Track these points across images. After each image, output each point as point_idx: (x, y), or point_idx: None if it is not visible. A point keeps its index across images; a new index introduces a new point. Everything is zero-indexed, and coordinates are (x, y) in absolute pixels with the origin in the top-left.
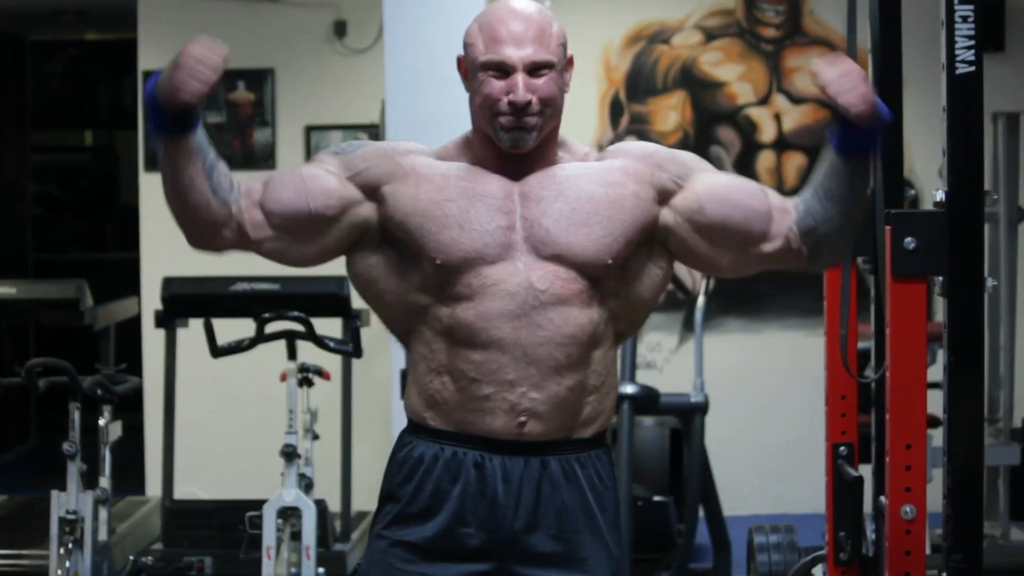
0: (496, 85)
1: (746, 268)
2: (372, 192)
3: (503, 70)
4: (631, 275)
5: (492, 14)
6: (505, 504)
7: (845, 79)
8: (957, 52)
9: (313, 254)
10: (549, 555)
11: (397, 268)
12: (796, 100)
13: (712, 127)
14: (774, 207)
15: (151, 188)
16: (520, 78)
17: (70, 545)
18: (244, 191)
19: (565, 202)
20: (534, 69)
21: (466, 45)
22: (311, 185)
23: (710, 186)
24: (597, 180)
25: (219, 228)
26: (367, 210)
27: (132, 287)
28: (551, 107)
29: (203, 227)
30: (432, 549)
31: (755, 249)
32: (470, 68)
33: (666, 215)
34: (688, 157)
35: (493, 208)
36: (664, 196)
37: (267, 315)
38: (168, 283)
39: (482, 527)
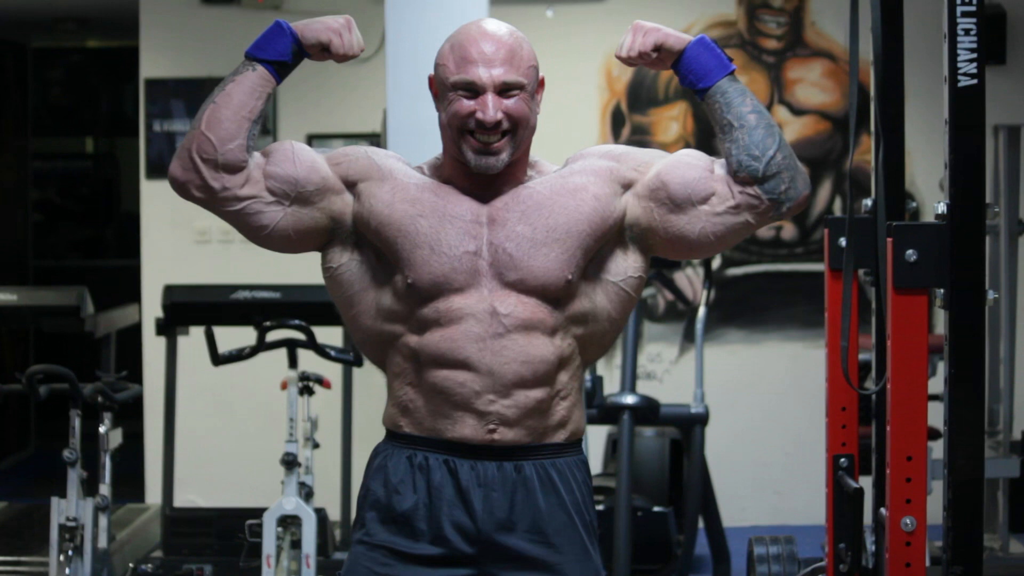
0: (465, 104)
1: (722, 233)
2: (350, 185)
3: (473, 90)
4: (598, 291)
5: (463, 35)
6: (482, 508)
7: (629, 38)
8: (959, 65)
9: (284, 230)
10: (527, 558)
11: (371, 282)
12: (797, 112)
13: (713, 138)
14: (717, 162)
15: (152, 195)
16: (490, 98)
17: (70, 552)
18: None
19: (527, 224)
20: (504, 90)
21: (437, 65)
22: (300, 154)
23: (666, 162)
24: (558, 190)
25: (232, 170)
26: (343, 202)
27: (133, 294)
28: (520, 127)
29: (219, 160)
30: (410, 554)
31: (721, 206)
32: (440, 88)
33: (632, 205)
34: (648, 151)
35: (461, 231)
36: (627, 185)
37: (268, 323)
38: (169, 291)
39: (458, 531)
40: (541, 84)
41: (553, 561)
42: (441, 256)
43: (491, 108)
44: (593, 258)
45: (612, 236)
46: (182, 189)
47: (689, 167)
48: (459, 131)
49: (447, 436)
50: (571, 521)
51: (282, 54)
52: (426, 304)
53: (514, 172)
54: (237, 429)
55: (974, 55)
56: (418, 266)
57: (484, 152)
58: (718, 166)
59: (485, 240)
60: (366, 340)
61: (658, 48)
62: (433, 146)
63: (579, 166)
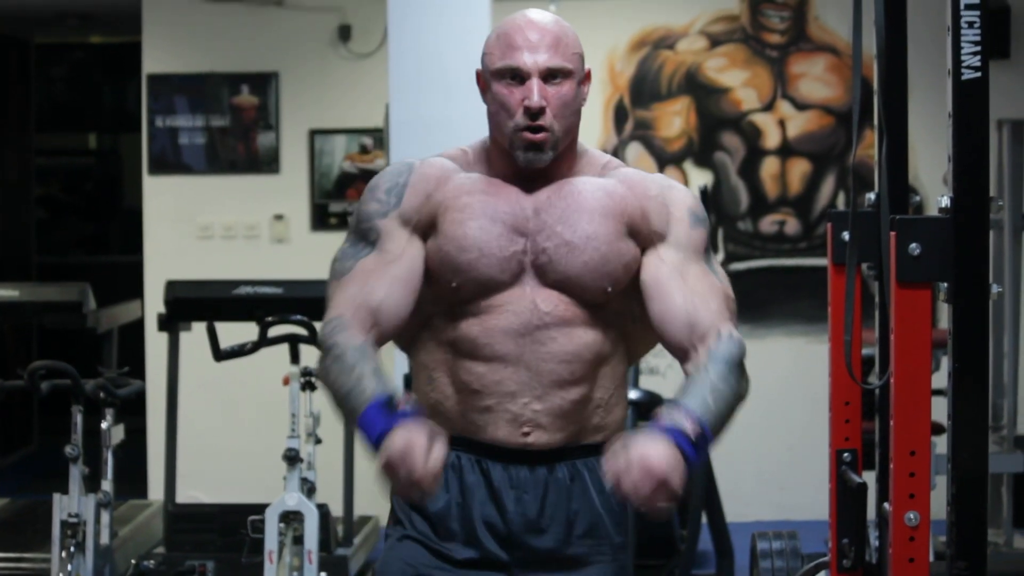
0: (511, 93)
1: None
2: (429, 230)
3: (518, 76)
4: (632, 297)
5: (510, 23)
6: (513, 509)
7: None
8: (963, 58)
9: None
10: (557, 559)
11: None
12: (801, 106)
13: (716, 133)
14: (695, 332)
15: (154, 191)
16: (535, 83)
17: (72, 548)
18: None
19: (567, 225)
20: (549, 76)
21: (484, 55)
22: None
23: (661, 274)
24: (600, 204)
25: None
26: (422, 235)
27: (135, 290)
28: (563, 119)
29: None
30: (444, 555)
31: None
32: (487, 78)
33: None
34: (679, 206)
35: (510, 230)
36: (639, 239)
37: (270, 319)
38: (171, 286)
39: (491, 532)
40: (588, 76)
41: (584, 562)
42: (490, 258)
43: (535, 93)
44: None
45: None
46: None
47: (663, 320)
48: (509, 127)
49: (479, 437)
50: (601, 521)
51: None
52: (468, 300)
53: (561, 165)
54: (239, 425)
55: (978, 48)
56: (465, 269)
57: (531, 147)
58: (692, 310)
59: (529, 239)
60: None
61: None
62: (435, 141)
63: (621, 191)
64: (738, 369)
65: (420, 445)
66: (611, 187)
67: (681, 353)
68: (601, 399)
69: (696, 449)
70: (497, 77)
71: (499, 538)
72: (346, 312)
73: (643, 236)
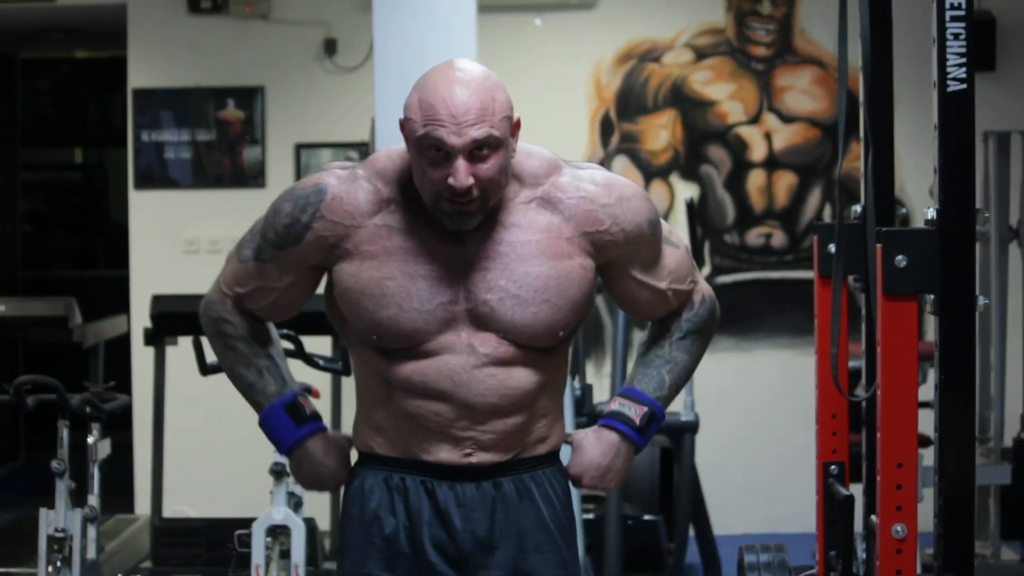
0: (436, 171)
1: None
2: (324, 269)
3: (442, 151)
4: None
5: (432, 89)
6: (462, 528)
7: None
8: (949, 69)
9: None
10: (508, 574)
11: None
12: (787, 119)
13: (703, 146)
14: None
15: (140, 206)
16: (461, 164)
17: (59, 563)
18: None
19: (511, 279)
20: (476, 149)
21: (406, 118)
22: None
23: (635, 283)
24: (545, 251)
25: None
26: (318, 272)
27: (121, 305)
28: (494, 187)
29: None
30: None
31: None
32: (410, 137)
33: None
34: (635, 224)
35: (435, 284)
36: (599, 253)
37: None
38: (157, 300)
39: (441, 553)
40: (517, 126)
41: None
42: (411, 312)
43: (462, 175)
44: None
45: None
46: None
47: (633, 305)
48: (431, 196)
49: (422, 459)
50: (551, 536)
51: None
52: (397, 349)
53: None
54: (226, 439)
55: (963, 59)
56: (385, 325)
57: (458, 214)
58: (672, 295)
59: (461, 288)
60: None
61: None
62: None
63: (568, 232)
64: (708, 325)
65: (330, 463)
66: (556, 227)
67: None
68: (544, 414)
69: (641, 432)
70: (419, 146)
71: (450, 560)
72: (227, 303)
73: (599, 261)
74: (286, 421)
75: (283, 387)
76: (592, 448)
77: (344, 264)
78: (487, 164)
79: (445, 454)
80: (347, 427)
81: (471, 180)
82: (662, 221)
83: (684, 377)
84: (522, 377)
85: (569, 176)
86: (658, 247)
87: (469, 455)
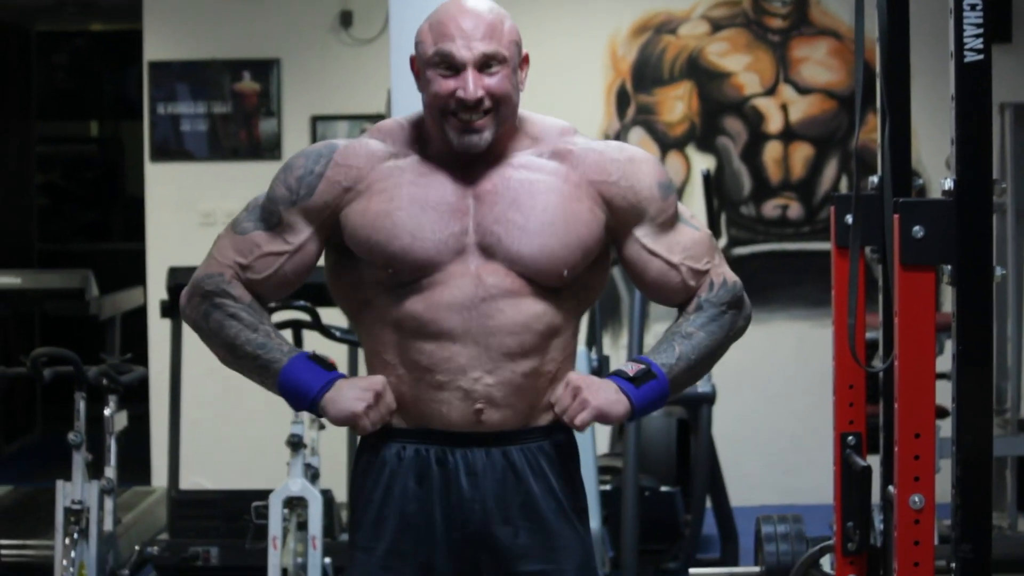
0: (445, 82)
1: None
2: (333, 224)
3: (453, 67)
4: (585, 272)
5: (443, 12)
6: (471, 498)
7: (566, 399)
8: (965, 40)
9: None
10: (519, 547)
11: (346, 267)
12: (803, 90)
13: (719, 117)
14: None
15: (156, 178)
16: (470, 74)
17: (75, 535)
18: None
19: (519, 211)
20: (485, 64)
21: (417, 44)
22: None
23: (644, 251)
24: (554, 189)
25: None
26: (327, 231)
27: (137, 277)
28: (503, 105)
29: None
30: (407, 549)
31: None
32: (421, 66)
33: (607, 225)
34: (645, 184)
35: (445, 215)
36: (607, 207)
37: (272, 304)
38: (173, 273)
39: (451, 523)
40: (525, 60)
41: (546, 548)
42: (424, 241)
43: (471, 85)
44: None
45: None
46: None
47: (646, 282)
48: (441, 112)
49: (434, 425)
50: (562, 506)
51: (294, 405)
52: (407, 283)
53: (499, 148)
54: (243, 411)
55: (980, 31)
56: (399, 256)
57: (466, 131)
58: (686, 272)
59: (472, 220)
60: (346, 306)
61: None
62: None
63: (576, 177)
64: (731, 310)
65: (378, 383)
66: (564, 173)
67: (676, 305)
68: (551, 372)
69: (635, 383)
70: (431, 66)
71: (461, 530)
72: (227, 273)
73: (609, 221)
74: (313, 367)
75: (294, 348)
76: (585, 375)
77: (354, 204)
78: (495, 78)
79: (456, 414)
80: None
81: (481, 91)
82: (682, 205)
83: (700, 353)
84: (530, 313)
85: (582, 138)
86: (670, 215)
87: (480, 411)
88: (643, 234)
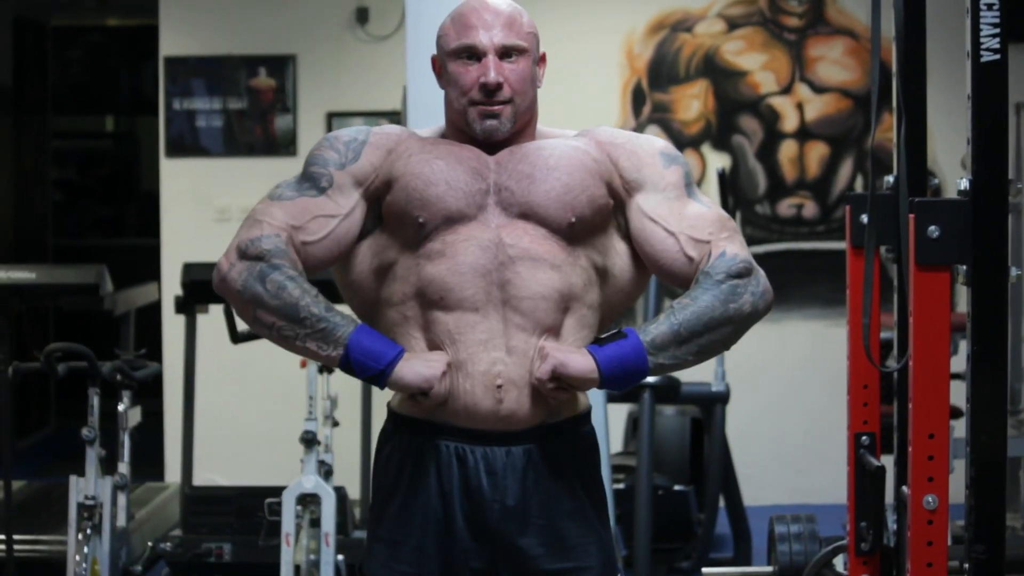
0: (468, 71)
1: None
2: (385, 189)
3: (474, 55)
4: (603, 247)
5: (464, 7)
6: (491, 497)
7: (536, 360)
8: (982, 40)
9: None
10: (539, 545)
11: (369, 247)
12: (819, 89)
13: (734, 116)
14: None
15: (171, 174)
16: (491, 60)
17: (88, 531)
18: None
19: (528, 163)
20: (505, 53)
21: (439, 38)
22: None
23: (645, 219)
24: (561, 147)
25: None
26: (370, 201)
27: (152, 273)
28: (523, 95)
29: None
30: (430, 548)
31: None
32: (443, 61)
33: (613, 190)
34: (648, 151)
35: (473, 172)
36: (613, 167)
37: None
38: (188, 269)
39: (470, 521)
40: (543, 58)
41: (566, 547)
42: (456, 191)
43: (492, 70)
44: (605, 226)
45: (609, 203)
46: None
47: (650, 256)
48: (467, 103)
49: (458, 421)
50: (582, 504)
51: (359, 371)
52: (433, 238)
53: (519, 140)
54: (256, 407)
55: (996, 30)
56: (432, 202)
57: (489, 116)
58: (684, 241)
59: (492, 181)
60: (361, 286)
61: (556, 378)
62: None
63: (583, 142)
64: (731, 279)
65: (444, 355)
66: (576, 143)
67: (686, 286)
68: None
69: (599, 343)
70: (453, 57)
71: (480, 528)
72: (283, 235)
73: (616, 187)
74: (382, 337)
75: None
76: (556, 347)
77: (396, 164)
78: (516, 67)
79: (478, 398)
80: (378, 395)
81: (501, 77)
82: (700, 190)
83: (691, 322)
84: (546, 279)
85: (599, 128)
86: (674, 184)
87: (500, 386)
88: (644, 199)
